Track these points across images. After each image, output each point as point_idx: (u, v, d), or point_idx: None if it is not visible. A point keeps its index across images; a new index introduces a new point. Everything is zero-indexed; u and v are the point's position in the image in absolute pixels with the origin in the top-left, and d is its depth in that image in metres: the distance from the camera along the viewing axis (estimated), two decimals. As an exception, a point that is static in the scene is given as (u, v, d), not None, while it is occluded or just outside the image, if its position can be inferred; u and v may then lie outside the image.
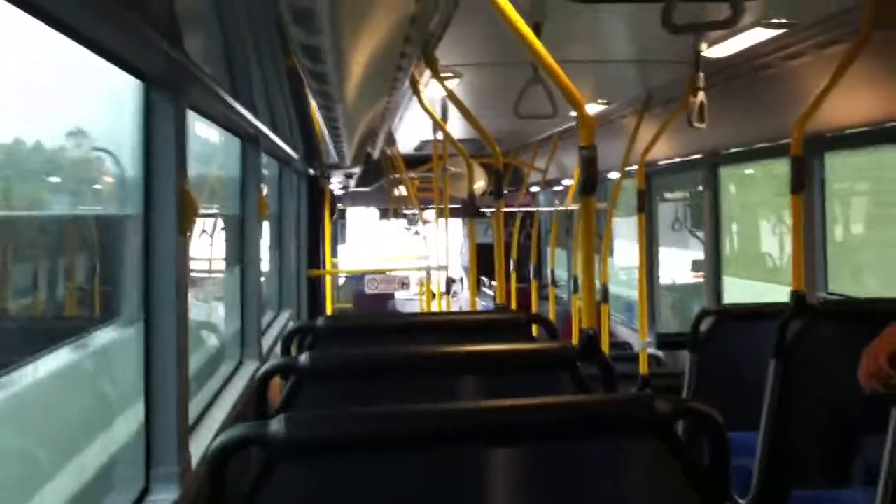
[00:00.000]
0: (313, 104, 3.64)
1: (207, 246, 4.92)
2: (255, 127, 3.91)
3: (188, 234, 2.58)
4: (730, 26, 2.42)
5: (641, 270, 6.56)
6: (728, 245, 8.13)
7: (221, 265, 5.21)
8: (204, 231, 4.73)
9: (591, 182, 2.56)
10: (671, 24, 2.39)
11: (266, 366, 2.37)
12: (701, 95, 4.49)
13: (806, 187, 3.95)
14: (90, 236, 2.85)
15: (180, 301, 2.54)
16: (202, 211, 3.64)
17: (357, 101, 3.59)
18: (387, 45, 2.97)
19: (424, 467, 1.70)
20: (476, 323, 3.33)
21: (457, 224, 14.99)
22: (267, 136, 4.43)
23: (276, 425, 1.54)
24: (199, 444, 2.94)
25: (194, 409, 3.22)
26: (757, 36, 4.11)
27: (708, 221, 6.87)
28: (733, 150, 6.18)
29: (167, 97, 2.40)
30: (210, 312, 5.14)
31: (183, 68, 2.33)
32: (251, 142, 4.51)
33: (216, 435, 3.19)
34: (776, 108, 5.01)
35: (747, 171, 8.67)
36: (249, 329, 4.74)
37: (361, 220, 16.64)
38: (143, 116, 2.39)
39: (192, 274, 2.76)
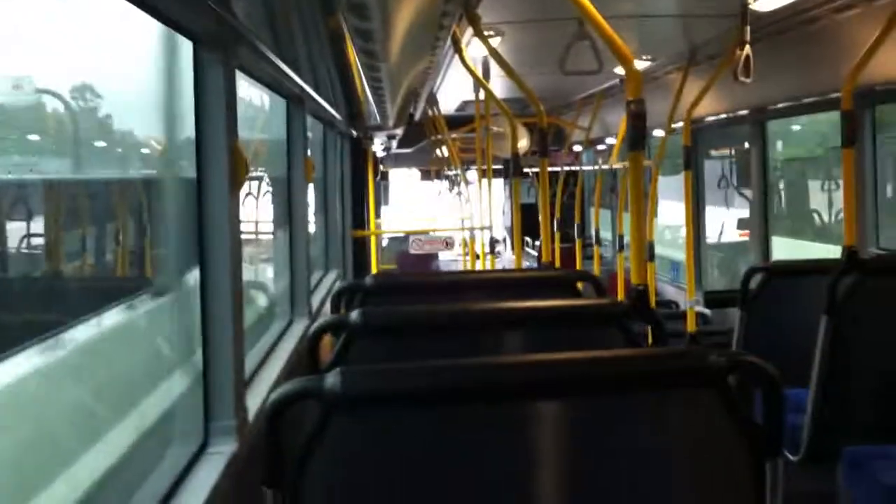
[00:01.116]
0: (355, 65, 3.64)
1: (256, 208, 4.98)
2: (300, 87, 3.93)
3: (239, 190, 2.62)
4: None
5: (689, 228, 6.52)
6: (775, 203, 8.03)
7: (270, 227, 5.27)
8: (250, 194, 4.79)
9: (639, 137, 2.55)
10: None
11: (318, 323, 2.41)
12: (747, 49, 4.41)
13: (857, 141, 3.89)
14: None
15: (234, 257, 2.59)
16: (251, 174, 3.69)
17: (400, 59, 3.59)
18: (429, 2, 2.97)
19: (477, 421, 1.72)
20: (523, 280, 3.34)
21: (499, 184, 14.95)
22: (311, 97, 4.45)
23: (332, 379, 1.58)
24: (255, 399, 3.00)
25: (249, 365, 3.28)
26: (806, -13, 4.04)
27: (755, 178, 6.79)
28: (781, 105, 6.08)
29: (217, 57, 2.42)
30: (261, 273, 5.22)
31: (231, 29, 2.35)
32: (296, 102, 4.54)
33: (270, 390, 3.26)
34: (824, 62, 4.91)
35: (793, 127, 8.53)
36: (299, 288, 4.81)
37: (404, 181, 16.67)
38: (193, 77, 2.43)
39: (243, 236, 2.80)
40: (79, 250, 2.65)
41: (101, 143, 2.77)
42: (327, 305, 4.87)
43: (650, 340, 2.91)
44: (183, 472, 2.39)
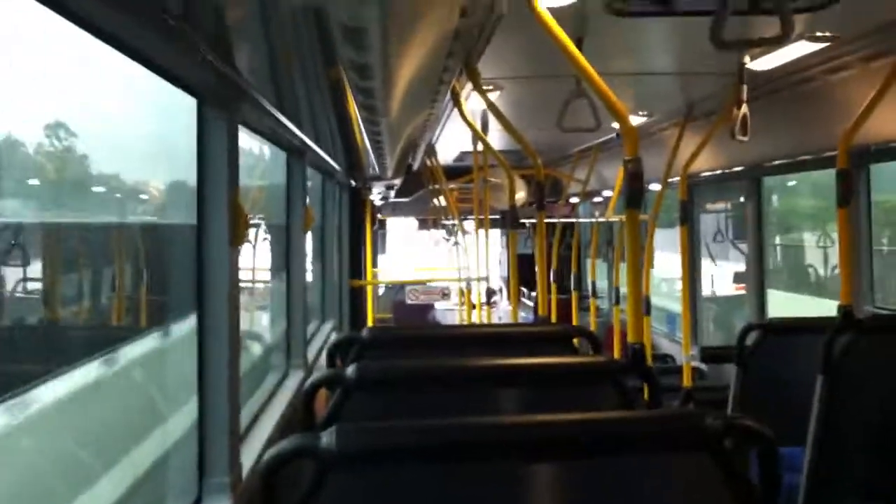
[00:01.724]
0: (355, 117, 3.68)
1: (254, 256, 4.99)
2: (301, 140, 3.96)
3: (239, 245, 2.64)
4: (778, 43, 2.41)
5: (685, 282, 6.53)
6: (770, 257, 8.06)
7: (267, 275, 5.28)
8: (248, 241, 4.80)
9: (636, 195, 2.56)
10: (719, 40, 2.38)
11: (313, 377, 2.41)
12: (744, 108, 4.46)
13: (851, 200, 3.92)
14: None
15: (232, 310, 2.59)
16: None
17: (400, 114, 3.63)
18: (430, 59, 3.01)
19: (472, 479, 1.72)
20: (519, 335, 3.34)
21: (495, 235, 15.00)
22: (311, 149, 4.49)
23: (327, 437, 1.57)
24: (250, 455, 2.98)
25: (244, 418, 3.27)
26: (801, 49, 4.09)
27: (751, 233, 6.82)
28: (776, 162, 6.14)
29: (219, 114, 2.46)
30: (257, 322, 5.21)
31: (234, 86, 2.38)
32: (297, 154, 4.57)
33: (265, 446, 3.24)
34: (820, 121, 4.97)
35: (789, 183, 8.59)
36: (295, 339, 4.80)
37: (401, 230, 16.71)
38: (196, 132, 2.46)
39: (240, 284, 2.81)
40: (74, 296, 2.65)
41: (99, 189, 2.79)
42: (323, 356, 4.86)
43: (646, 395, 2.91)
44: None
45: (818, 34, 3.85)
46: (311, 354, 5.25)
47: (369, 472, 1.65)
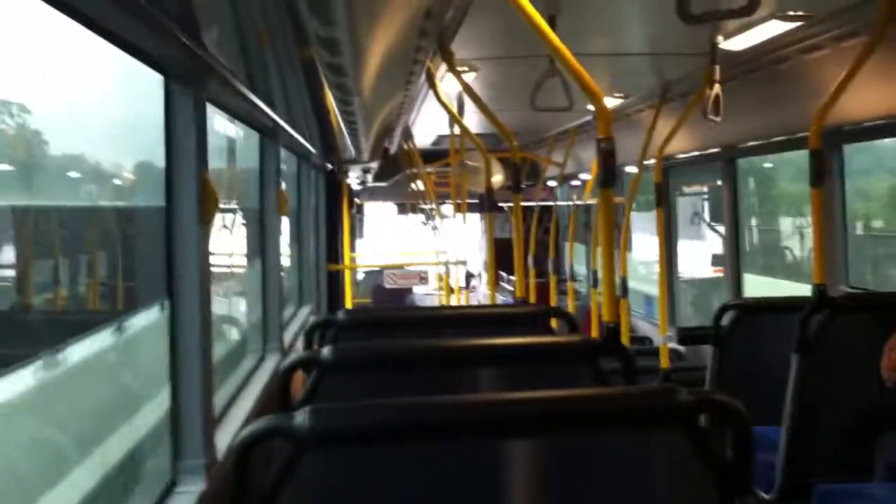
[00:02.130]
0: (330, 98, 3.65)
1: (228, 241, 4.95)
2: (273, 120, 3.93)
3: (209, 224, 2.61)
4: (746, 14, 2.40)
5: (662, 264, 6.54)
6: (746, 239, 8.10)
7: (242, 261, 5.24)
8: (224, 226, 4.76)
9: (609, 175, 2.56)
10: (686, 13, 2.38)
11: (289, 359, 2.40)
12: (717, 88, 4.46)
13: (825, 180, 3.93)
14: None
15: (203, 291, 2.56)
16: (222, 206, 3.67)
17: (374, 94, 3.60)
18: (402, 37, 2.98)
19: (447, 458, 1.71)
20: (496, 316, 3.34)
21: (474, 219, 14.99)
22: (285, 130, 4.45)
23: (301, 417, 1.56)
24: (225, 438, 2.97)
25: (219, 402, 3.24)
26: (773, 29, 4.09)
27: (727, 215, 6.84)
28: (751, 143, 6.15)
29: (187, 90, 2.42)
30: (232, 307, 5.18)
31: (202, 62, 2.35)
32: (269, 136, 4.53)
33: (241, 428, 3.22)
34: (794, 101, 4.98)
35: (766, 164, 8.63)
36: (271, 323, 4.78)
37: (379, 214, 16.67)
38: (164, 110, 2.42)
39: (214, 269, 2.79)
40: (48, 281, 2.61)
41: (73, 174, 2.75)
42: (300, 340, 4.84)
43: (623, 376, 2.91)
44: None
45: (790, 13, 3.85)
46: (287, 338, 5.23)
47: (344, 451, 1.64)
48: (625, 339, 7.04)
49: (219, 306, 4.24)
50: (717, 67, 4.41)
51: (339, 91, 3.11)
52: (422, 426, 1.67)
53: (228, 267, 5.19)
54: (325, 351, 2.32)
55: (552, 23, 3.50)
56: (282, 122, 4.16)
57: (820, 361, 3.60)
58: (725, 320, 4.43)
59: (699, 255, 8.89)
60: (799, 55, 4.49)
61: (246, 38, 2.73)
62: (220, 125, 4.01)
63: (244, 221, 5.15)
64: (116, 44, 2.01)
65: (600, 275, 8.41)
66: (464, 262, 8.81)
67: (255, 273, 4.89)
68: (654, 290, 8.73)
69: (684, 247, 8.59)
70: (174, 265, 2.55)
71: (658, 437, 1.77)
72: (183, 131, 2.43)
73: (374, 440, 1.65)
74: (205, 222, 2.55)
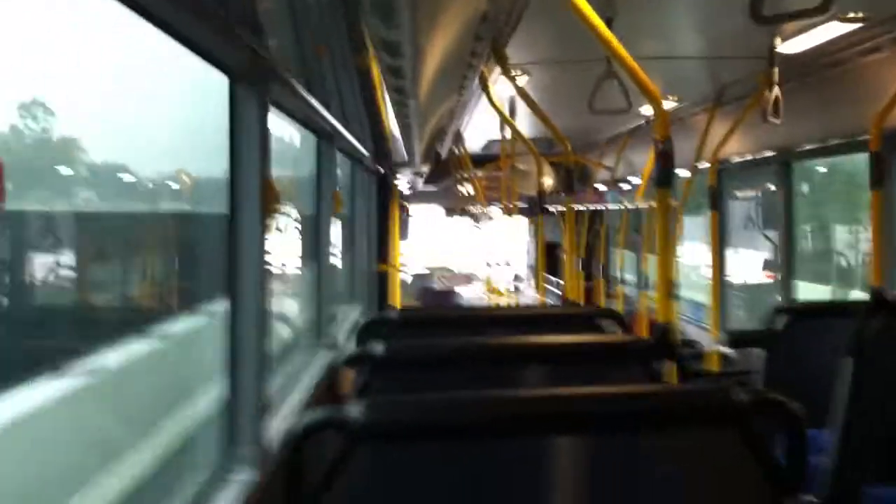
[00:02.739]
0: (384, 102, 3.71)
1: (286, 242, 5.04)
2: (330, 124, 3.99)
3: (270, 224, 2.67)
4: (819, 14, 2.37)
5: (715, 268, 6.49)
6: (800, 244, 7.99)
7: (299, 261, 5.33)
8: (278, 228, 4.84)
9: (667, 175, 2.57)
10: (758, 14, 2.36)
11: (344, 354, 2.43)
12: (776, 91, 4.43)
13: (885, 183, 3.89)
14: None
15: (262, 289, 2.62)
16: (281, 210, 3.74)
17: (429, 97, 3.65)
18: (459, 41, 3.03)
19: (500, 454, 1.72)
20: (547, 316, 3.35)
21: (521, 222, 14.98)
22: (340, 133, 4.51)
23: (355, 409, 1.58)
24: (278, 428, 3.02)
25: (274, 394, 3.30)
26: (832, 31, 4.06)
27: (781, 220, 6.77)
28: (807, 146, 6.08)
29: (252, 92, 2.48)
30: (289, 304, 5.26)
31: (266, 65, 2.41)
32: (326, 138, 4.60)
33: (294, 419, 3.27)
34: (852, 104, 4.92)
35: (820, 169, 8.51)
36: (324, 320, 4.84)
37: (429, 216, 16.73)
38: (229, 112, 2.49)
39: (273, 269, 2.85)
40: (118, 279, 2.70)
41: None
42: (352, 337, 4.90)
43: (674, 378, 2.90)
44: (203, 497, 2.41)
45: (850, 15, 3.82)
46: (340, 336, 5.29)
47: (397, 445, 1.66)
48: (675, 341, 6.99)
49: (275, 303, 4.32)
50: (776, 70, 4.38)
51: (397, 94, 3.16)
52: (474, 422, 1.68)
53: (283, 266, 5.28)
54: (378, 347, 2.35)
55: (609, 25, 3.52)
56: (338, 126, 4.23)
57: (873, 365, 3.55)
58: (777, 323, 4.39)
59: (750, 260, 8.79)
60: (857, 57, 4.44)
61: (307, 42, 2.79)
62: (276, 129, 4.09)
63: (298, 224, 5.24)
64: (188, 46, 2.07)
65: (651, 278, 8.37)
66: (510, 265, 8.82)
67: (310, 272, 4.96)
68: (701, 297, 8.66)
69: (736, 252, 8.51)
70: (236, 263, 2.61)
71: (711, 437, 1.76)
72: (247, 133, 2.49)
73: (427, 435, 1.66)
74: (265, 222, 2.62)
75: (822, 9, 2.33)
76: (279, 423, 3.16)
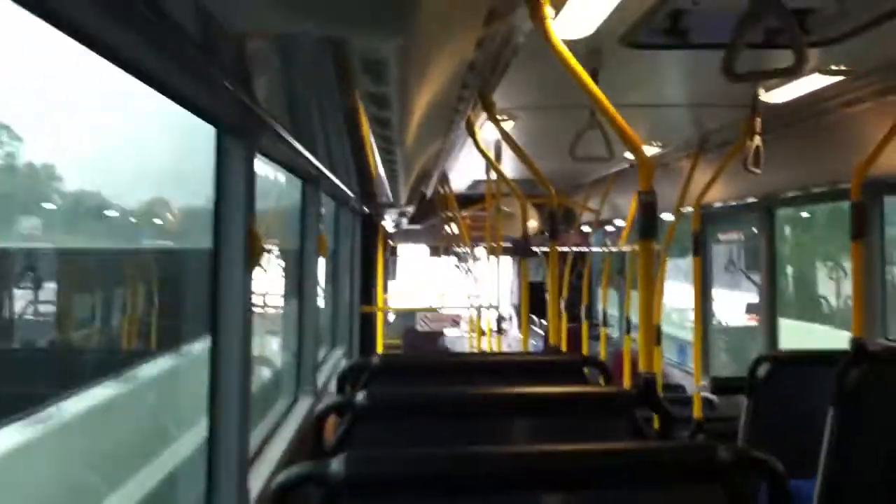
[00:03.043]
0: (370, 147, 3.72)
1: (265, 281, 5.01)
2: (317, 168, 4.00)
3: (253, 270, 2.66)
4: (791, 74, 2.42)
5: (697, 313, 6.51)
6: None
7: (279, 301, 5.30)
8: (259, 266, 4.82)
9: (650, 226, 2.58)
10: (732, 72, 2.40)
11: (323, 403, 2.42)
12: (757, 140, 4.47)
13: (866, 232, 3.92)
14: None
15: (245, 335, 2.61)
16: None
17: (415, 143, 3.67)
18: (446, 89, 3.04)
19: None
20: (530, 364, 3.35)
21: (506, 263, 15.00)
22: (327, 177, 4.52)
23: (336, 464, 1.58)
24: (258, 480, 2.99)
25: (253, 443, 3.27)
26: (815, 83, 4.11)
27: (764, 265, 6.81)
28: (790, 193, 6.14)
29: (239, 143, 2.49)
30: (268, 347, 5.23)
31: (255, 116, 2.42)
32: (312, 182, 4.61)
33: (274, 472, 3.24)
34: (834, 153, 4.98)
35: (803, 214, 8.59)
36: (306, 365, 4.81)
37: (413, 256, 16.73)
38: (215, 160, 2.49)
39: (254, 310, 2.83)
40: (89, 318, 2.68)
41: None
42: (332, 382, 4.87)
43: (657, 426, 2.90)
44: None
45: (832, 67, 3.87)
46: (320, 380, 5.26)
47: (378, 500, 1.66)
48: (658, 388, 6.99)
49: (256, 348, 4.29)
50: (759, 120, 4.43)
51: (383, 141, 3.17)
52: (456, 477, 1.67)
53: (263, 306, 5.24)
54: (360, 396, 2.34)
55: (594, 76, 3.55)
56: (324, 169, 4.24)
57: (856, 414, 3.56)
58: (760, 371, 4.40)
59: (733, 303, 8.82)
60: (841, 108, 4.50)
61: (295, 91, 2.80)
62: (261, 167, 4.09)
63: (281, 262, 5.22)
64: (173, 98, 2.07)
65: (634, 321, 8.38)
66: (496, 307, 8.82)
67: (291, 314, 4.93)
68: (685, 335, 8.68)
69: (718, 294, 8.54)
70: (218, 306, 2.60)
71: (695, 493, 1.76)
72: (233, 181, 2.50)
73: (408, 489, 1.66)
74: (249, 270, 2.61)
75: (795, 69, 2.36)
76: (261, 475, 3.13)
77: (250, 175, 2.57)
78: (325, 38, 1.99)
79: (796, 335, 7.70)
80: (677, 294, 9.93)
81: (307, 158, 3.44)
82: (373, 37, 1.74)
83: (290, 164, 3.94)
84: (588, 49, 3.55)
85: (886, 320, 5.28)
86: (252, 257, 2.61)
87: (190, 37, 1.76)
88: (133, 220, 2.92)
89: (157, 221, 3.20)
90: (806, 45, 2.42)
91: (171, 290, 3.08)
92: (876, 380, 3.57)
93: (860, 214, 3.78)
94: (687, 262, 6.58)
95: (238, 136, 2.48)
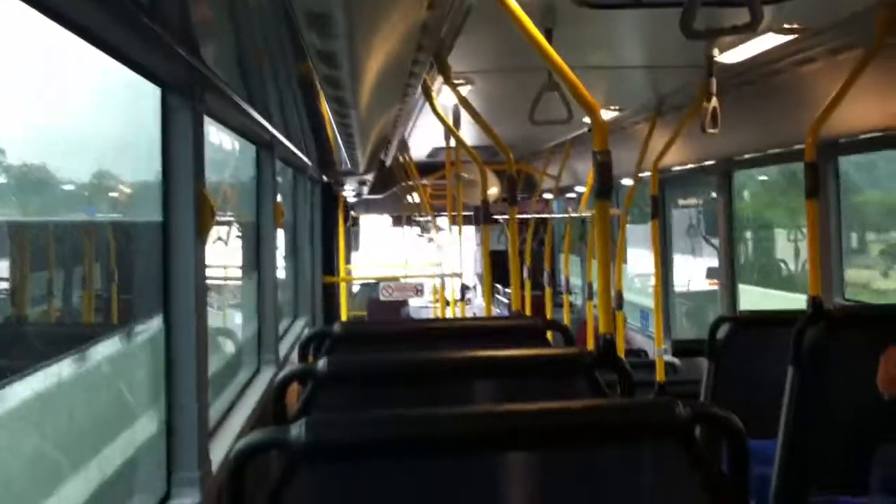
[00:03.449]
0: (326, 111, 3.66)
1: (224, 254, 4.95)
2: (270, 133, 3.93)
3: (206, 237, 2.61)
4: (749, 31, 2.41)
5: (657, 277, 6.55)
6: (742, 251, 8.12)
7: (238, 273, 5.24)
8: (220, 239, 4.76)
9: (605, 187, 2.56)
10: (690, 29, 2.38)
11: (284, 371, 2.39)
12: (713, 101, 4.48)
13: (820, 192, 3.94)
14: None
15: (199, 304, 2.56)
16: (218, 219, 3.67)
17: (370, 107, 3.61)
18: (399, 51, 2.99)
19: (443, 471, 1.71)
20: (492, 328, 3.34)
21: (470, 231, 15.02)
22: (281, 143, 4.46)
23: (296, 429, 1.56)
24: (220, 449, 2.96)
25: (214, 414, 3.24)
26: (769, 41, 4.11)
27: (722, 228, 6.86)
28: (746, 155, 6.17)
29: (185, 103, 2.43)
30: (229, 319, 5.17)
31: (200, 75, 2.36)
32: (266, 148, 4.54)
33: (236, 440, 3.21)
34: (789, 114, 5.00)
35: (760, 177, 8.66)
36: (267, 336, 4.77)
37: (375, 227, 16.68)
38: (161, 123, 2.42)
39: (210, 282, 2.78)
40: (43, 294, 2.61)
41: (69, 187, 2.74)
42: (295, 352, 4.84)
43: (619, 389, 2.91)
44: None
45: (785, 26, 3.87)
46: (283, 350, 5.22)
47: (339, 464, 1.64)
48: (620, 352, 7.04)
49: (214, 318, 4.24)
50: (714, 80, 4.43)
51: (337, 104, 3.12)
52: (417, 439, 1.66)
53: (224, 279, 5.18)
54: (321, 363, 2.31)
55: (548, 36, 3.51)
56: (278, 135, 4.17)
57: (815, 374, 3.59)
58: (720, 333, 4.43)
59: (694, 268, 8.90)
60: (794, 67, 4.51)
61: (244, 52, 2.73)
62: (215, 136, 4.02)
63: (239, 233, 5.15)
64: (115, 56, 2.01)
65: (596, 287, 8.43)
66: (459, 275, 8.81)
67: (251, 285, 4.88)
68: (649, 302, 8.75)
69: (679, 259, 8.61)
70: (170, 278, 2.54)
71: (654, 450, 1.77)
72: (180, 144, 2.44)
73: (370, 453, 1.64)
74: (201, 235, 2.55)
75: (753, 26, 2.35)
76: (222, 444, 3.10)
77: (199, 139, 2.51)
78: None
79: (759, 301, 7.78)
80: (640, 261, 10.00)
81: (259, 122, 3.38)
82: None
83: (243, 128, 3.87)
84: (542, 8, 3.51)
85: (843, 280, 5.35)
86: (203, 223, 2.56)
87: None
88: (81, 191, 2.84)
89: (111, 194, 3.13)
90: (761, 3, 2.41)
91: (121, 264, 3.01)
92: (833, 338, 3.61)
93: (814, 174, 3.80)
94: (649, 230, 6.60)
95: (183, 97, 2.42)
